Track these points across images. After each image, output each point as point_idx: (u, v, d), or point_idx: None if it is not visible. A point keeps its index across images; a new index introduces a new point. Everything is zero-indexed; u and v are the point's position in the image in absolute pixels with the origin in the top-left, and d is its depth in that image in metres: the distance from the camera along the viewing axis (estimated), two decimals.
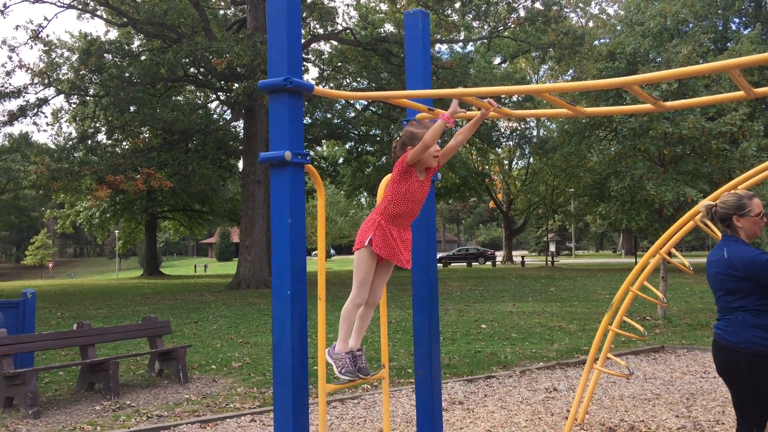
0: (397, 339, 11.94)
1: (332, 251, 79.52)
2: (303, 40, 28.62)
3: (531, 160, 49.89)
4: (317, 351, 3.33)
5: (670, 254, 6.35)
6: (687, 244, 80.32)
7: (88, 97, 29.24)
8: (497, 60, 44.75)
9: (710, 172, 15.46)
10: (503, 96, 30.18)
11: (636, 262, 6.43)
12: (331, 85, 31.64)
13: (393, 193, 3.42)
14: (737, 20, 38.25)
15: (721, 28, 37.61)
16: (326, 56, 31.76)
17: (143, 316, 9.75)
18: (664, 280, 14.30)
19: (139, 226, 46.73)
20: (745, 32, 35.97)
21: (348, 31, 29.56)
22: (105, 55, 26.42)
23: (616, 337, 10.66)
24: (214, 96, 34.51)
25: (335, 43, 30.77)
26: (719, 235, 6.18)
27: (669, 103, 3.20)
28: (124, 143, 31.25)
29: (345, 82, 32.68)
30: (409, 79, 4.03)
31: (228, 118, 33.11)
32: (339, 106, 31.94)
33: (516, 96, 33.65)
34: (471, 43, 38.71)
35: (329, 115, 31.45)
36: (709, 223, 6.18)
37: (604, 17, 48.01)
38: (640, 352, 10.27)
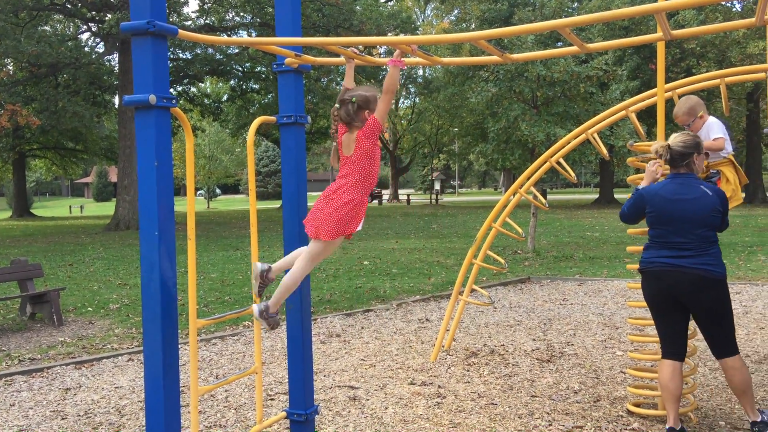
0: None
1: (218, 191, 77.94)
2: None
3: (417, 99, 50.52)
4: (188, 289, 3.46)
5: (533, 194, 6.85)
6: (563, 182, 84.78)
7: None
8: None
9: (578, 113, 16.42)
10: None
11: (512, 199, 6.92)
12: (213, 19, 30.46)
13: (371, 164, 3.35)
14: None
15: None
16: None
17: (12, 259, 9.38)
18: (534, 216, 15.26)
19: (6, 164, 43.66)
20: None
21: None
22: None
23: (488, 271, 11.36)
24: (85, 27, 32.38)
25: None
26: (573, 175, 6.74)
27: (514, 56, 3.48)
28: None
29: (228, 16, 31.56)
30: (278, 23, 4.02)
31: (101, 51, 31.25)
32: None
33: None
34: None
35: (211, 51, 30.33)
36: (564, 164, 6.73)
37: None
38: (509, 283, 11.02)
